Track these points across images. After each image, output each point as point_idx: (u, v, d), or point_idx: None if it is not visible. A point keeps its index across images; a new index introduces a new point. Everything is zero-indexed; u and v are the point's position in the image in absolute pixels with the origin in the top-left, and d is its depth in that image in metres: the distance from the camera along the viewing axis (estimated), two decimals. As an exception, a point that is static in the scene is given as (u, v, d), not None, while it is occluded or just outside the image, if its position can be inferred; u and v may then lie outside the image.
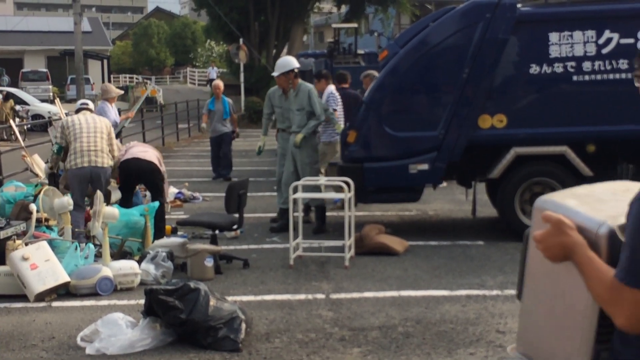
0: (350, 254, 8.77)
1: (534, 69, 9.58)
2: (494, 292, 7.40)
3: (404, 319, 6.65)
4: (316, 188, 9.64)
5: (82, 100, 10.65)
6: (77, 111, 9.81)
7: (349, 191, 8.79)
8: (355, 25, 25.40)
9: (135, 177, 9.83)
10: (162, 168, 9.85)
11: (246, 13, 37.32)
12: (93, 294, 7.46)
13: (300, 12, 38.52)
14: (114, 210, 8.36)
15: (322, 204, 10.46)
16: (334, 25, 24.30)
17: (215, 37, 51.02)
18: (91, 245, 8.17)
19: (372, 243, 9.10)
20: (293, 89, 10.38)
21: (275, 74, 10.42)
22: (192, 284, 6.14)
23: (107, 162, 9.31)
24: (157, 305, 6.01)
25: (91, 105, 10.28)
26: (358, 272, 8.29)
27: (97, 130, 9.31)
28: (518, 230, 9.67)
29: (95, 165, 9.17)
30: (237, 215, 8.79)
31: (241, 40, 28.37)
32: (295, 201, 8.87)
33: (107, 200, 9.25)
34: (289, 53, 36.80)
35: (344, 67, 17.55)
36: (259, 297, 7.41)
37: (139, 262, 8.13)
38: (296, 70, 10.43)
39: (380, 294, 7.43)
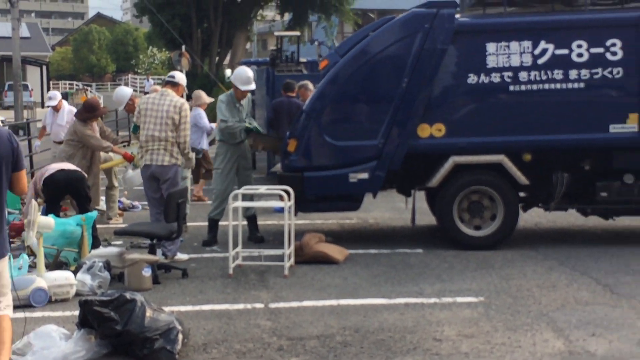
0: (290, 262, 8.76)
1: (472, 78, 9.70)
2: (432, 300, 7.46)
3: (343, 327, 6.65)
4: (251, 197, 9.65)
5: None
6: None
7: (289, 200, 8.79)
8: (297, 33, 25.39)
9: (63, 189, 9.69)
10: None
11: (189, 20, 37.14)
12: (26, 305, 7.30)
13: (244, 20, 38.46)
14: (49, 220, 8.21)
15: (254, 214, 10.44)
16: (276, 33, 24.26)
17: (158, 44, 50.70)
18: (25, 256, 8.02)
19: (312, 252, 9.11)
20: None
21: (248, 87, 10.19)
22: (128, 295, 6.06)
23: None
24: (91, 317, 5.92)
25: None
26: (297, 281, 8.28)
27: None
28: (457, 239, 9.82)
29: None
30: (176, 224, 8.70)
31: (183, 47, 28.17)
32: (234, 210, 8.82)
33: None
34: (231, 60, 36.76)
35: (287, 75, 17.53)
36: (197, 307, 7.35)
37: (75, 272, 8.00)
38: None
39: (320, 303, 7.43)
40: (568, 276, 8.34)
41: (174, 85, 9.41)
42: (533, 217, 11.55)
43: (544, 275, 8.41)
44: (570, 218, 11.47)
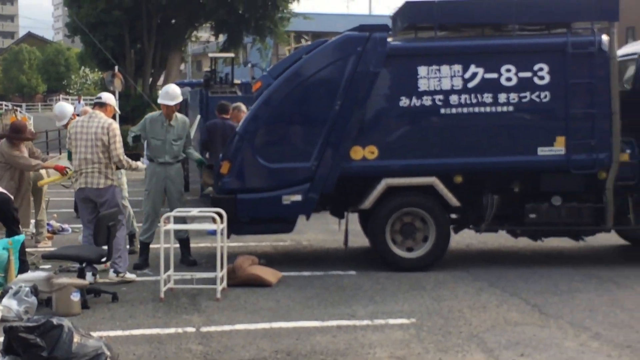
0: (223, 285, 8.69)
1: (404, 101, 9.80)
2: (364, 322, 7.47)
3: (275, 351, 6.61)
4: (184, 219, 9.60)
5: None
6: None
7: (222, 222, 8.73)
8: (232, 55, 25.37)
9: None
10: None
11: (122, 41, 36.76)
12: (-50, 332, 7.09)
13: (178, 41, 38.26)
14: (-26, 244, 8.00)
15: (186, 236, 10.37)
16: (210, 55, 24.21)
17: (90, 64, 49.96)
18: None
19: (245, 274, 9.05)
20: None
21: (170, 102, 10.20)
22: (55, 320, 5.92)
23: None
24: (17, 343, 5.75)
25: None
26: (230, 304, 8.22)
27: None
28: (389, 260, 9.88)
29: None
30: (106, 247, 8.56)
31: (116, 67, 27.85)
32: (166, 233, 8.73)
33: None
34: (165, 82, 36.46)
35: (221, 96, 17.47)
36: (127, 332, 7.22)
37: (1, 297, 7.80)
38: None
39: (252, 326, 7.37)
40: (498, 297, 8.44)
41: (101, 106, 9.38)
42: (464, 239, 11.69)
43: (475, 296, 8.50)
44: (500, 239, 11.65)
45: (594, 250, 11.29)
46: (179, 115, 10.42)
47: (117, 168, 9.41)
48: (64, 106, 11.77)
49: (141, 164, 10.21)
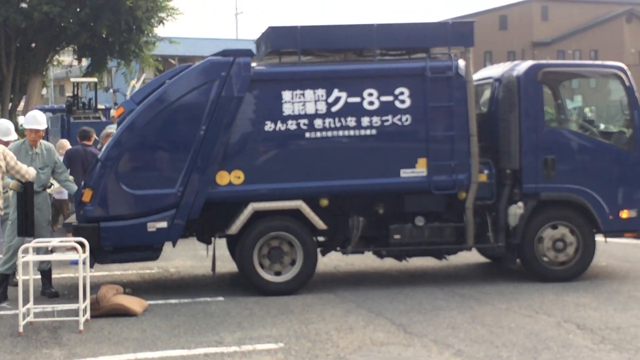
0: (86, 317, 8.44)
1: (269, 126, 9.84)
2: (232, 349, 7.41)
3: (140, 382, 6.47)
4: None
5: None
6: None
7: (84, 252, 8.48)
8: (95, 79, 24.92)
9: None
10: None
11: (-22, 65, 35.37)
12: None
13: (38, 65, 37.11)
14: None
15: (48, 268, 10.04)
16: (72, 79, 23.67)
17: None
18: None
19: (109, 304, 8.82)
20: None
21: (39, 127, 9.86)
22: None
23: None
24: None
25: None
26: (93, 336, 7.98)
27: None
28: (257, 285, 9.86)
29: None
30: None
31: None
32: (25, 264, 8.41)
33: None
34: (26, 107, 35.33)
35: (84, 122, 17.10)
36: (-18, 370, 6.91)
37: None
38: None
39: (116, 358, 7.19)
40: (365, 318, 8.55)
41: None
42: (332, 261, 11.81)
43: (342, 318, 8.58)
44: (367, 260, 11.82)
45: (457, 269, 11.62)
46: (43, 142, 10.12)
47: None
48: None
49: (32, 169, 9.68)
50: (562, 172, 10.32)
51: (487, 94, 10.97)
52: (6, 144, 9.87)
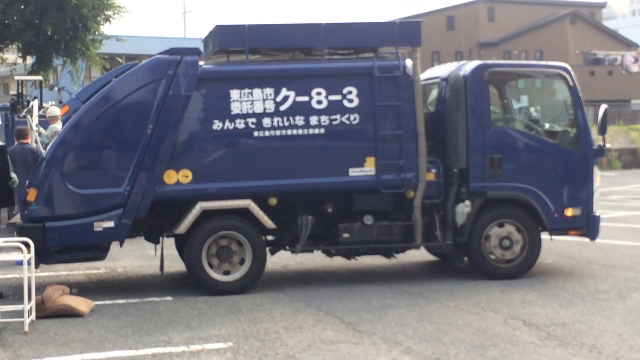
0: (31, 318, 8.31)
1: (217, 125, 9.79)
2: (180, 349, 7.36)
3: (87, 384, 6.39)
4: None
5: None
6: None
7: (29, 252, 8.35)
8: (40, 77, 24.50)
9: None
10: None
11: None
12: None
13: (-19, 63, 36.49)
14: None
15: None
16: (16, 77, 23.21)
17: None
18: None
19: (55, 305, 8.71)
20: None
21: None
22: None
23: None
24: None
25: None
26: (39, 337, 7.86)
27: None
28: (206, 284, 9.81)
29: None
30: None
31: None
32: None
33: None
34: (-31, 106, 34.63)
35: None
36: None
37: None
38: None
39: (62, 359, 7.10)
40: (314, 316, 8.56)
41: None
42: (281, 260, 11.80)
43: (292, 316, 8.58)
44: (317, 259, 11.84)
45: (405, 267, 11.70)
46: None
47: None
48: None
49: None
50: (508, 171, 10.46)
51: (434, 93, 11.06)
52: None
